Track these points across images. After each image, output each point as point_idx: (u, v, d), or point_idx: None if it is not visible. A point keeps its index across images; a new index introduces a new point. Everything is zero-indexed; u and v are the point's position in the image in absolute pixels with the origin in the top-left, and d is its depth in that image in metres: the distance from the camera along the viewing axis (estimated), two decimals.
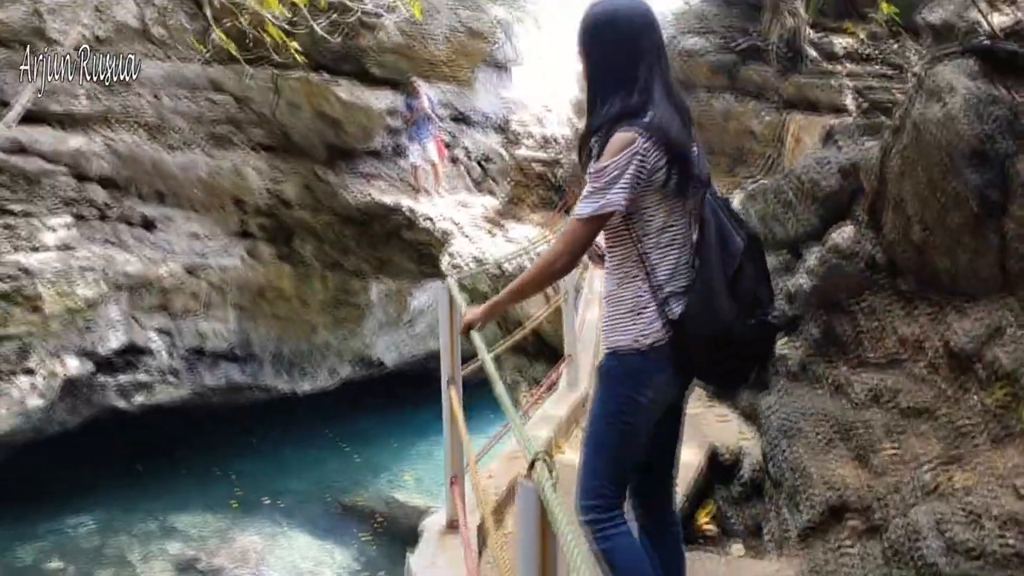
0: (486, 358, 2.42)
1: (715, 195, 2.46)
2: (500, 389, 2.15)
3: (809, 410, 3.52)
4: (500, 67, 19.76)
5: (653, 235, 2.37)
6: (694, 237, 2.42)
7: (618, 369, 2.43)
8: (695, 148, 2.42)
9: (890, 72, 8.98)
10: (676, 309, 2.36)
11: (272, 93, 13.50)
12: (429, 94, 13.36)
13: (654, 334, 2.36)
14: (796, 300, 3.90)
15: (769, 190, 4.12)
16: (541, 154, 11.73)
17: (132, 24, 12.92)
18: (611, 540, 2.40)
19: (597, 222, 2.32)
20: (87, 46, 12.70)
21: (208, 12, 9.20)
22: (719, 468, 4.25)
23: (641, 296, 2.39)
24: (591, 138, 2.41)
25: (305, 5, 9.21)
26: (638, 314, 2.39)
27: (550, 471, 1.40)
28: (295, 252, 14.58)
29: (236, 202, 14.10)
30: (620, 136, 2.27)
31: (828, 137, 5.09)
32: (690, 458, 4.00)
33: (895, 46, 9.10)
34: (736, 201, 6.22)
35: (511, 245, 10.47)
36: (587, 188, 2.30)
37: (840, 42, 9.20)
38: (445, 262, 10.84)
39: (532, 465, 1.41)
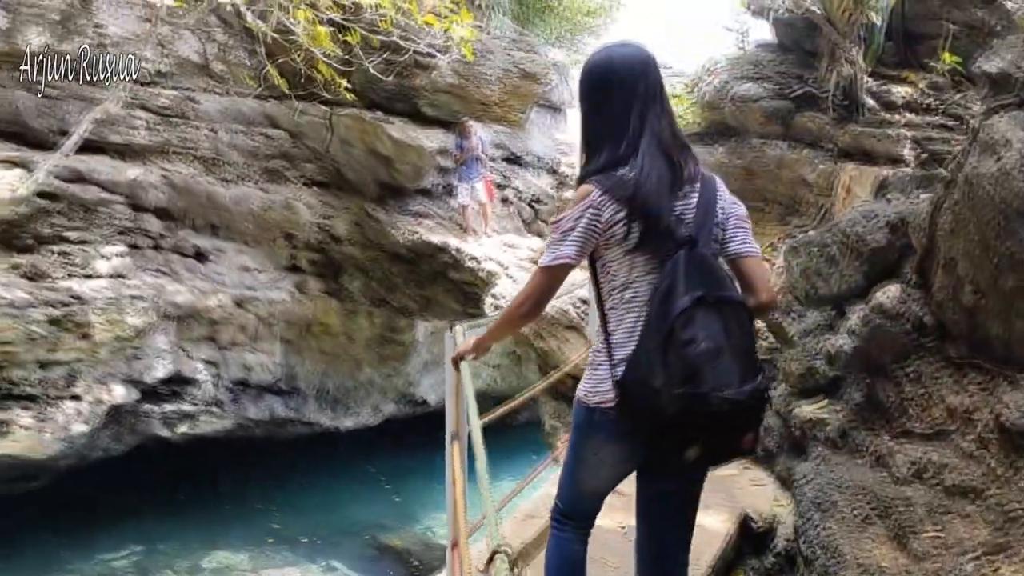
0: (470, 396, 2.33)
1: (699, 253, 2.30)
2: (478, 443, 2.01)
3: (846, 482, 3.27)
4: (555, 109, 19.78)
5: (616, 291, 2.37)
6: None
7: (575, 416, 2.54)
8: (679, 204, 2.35)
9: (951, 123, 8.67)
10: (619, 371, 2.32)
11: (326, 130, 13.62)
12: (481, 135, 13.38)
13: (600, 394, 2.38)
14: (837, 362, 3.67)
15: (813, 243, 3.90)
16: None
17: (193, 59, 13.18)
18: (553, 539, 2.60)
19: (555, 272, 2.36)
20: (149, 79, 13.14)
21: (261, 48, 9.28)
22: (751, 537, 3.99)
23: (599, 352, 2.43)
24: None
25: (358, 43, 9.24)
26: (594, 370, 2.44)
27: (511, 567, 1.23)
28: (343, 288, 14.60)
29: (287, 236, 14.19)
30: (580, 189, 2.35)
31: (881, 189, 4.85)
32: (719, 525, 3.76)
33: (957, 96, 8.80)
34: (780, 254, 5.98)
35: None
36: (548, 238, 2.43)
37: (899, 91, 8.94)
38: (488, 303, 10.71)
39: (491, 559, 1.25)
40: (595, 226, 2.30)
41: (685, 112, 10.68)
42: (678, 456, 2.28)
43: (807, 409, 3.88)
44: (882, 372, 3.44)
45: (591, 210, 2.30)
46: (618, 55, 2.42)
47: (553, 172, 16.08)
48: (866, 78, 8.80)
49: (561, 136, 19.55)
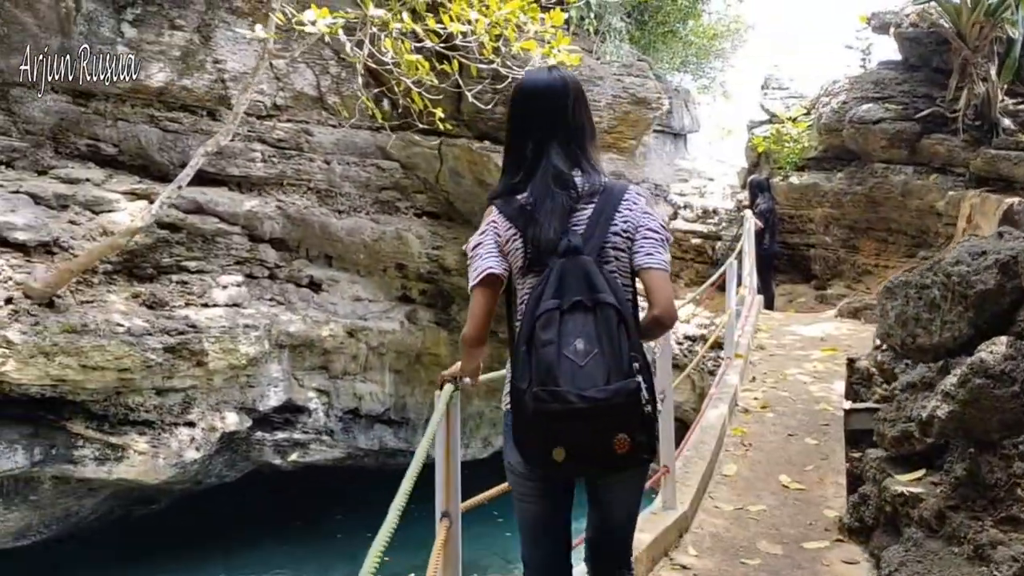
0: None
1: (579, 261, 2.37)
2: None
3: None
4: (676, 135, 19.29)
5: (516, 310, 2.57)
6: None
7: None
8: (573, 219, 2.45)
9: None
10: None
11: (436, 160, 13.59)
12: None
13: (505, 401, 2.61)
14: (930, 429, 3.12)
15: (910, 285, 3.36)
16: (699, 227, 10.98)
17: (308, 92, 13.43)
18: None
19: (482, 290, 2.50)
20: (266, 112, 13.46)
21: (358, 80, 9.25)
22: None
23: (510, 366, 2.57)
24: None
25: (456, 72, 9.08)
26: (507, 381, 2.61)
27: None
28: (453, 319, 14.47)
29: (398, 267, 14.20)
30: (487, 209, 2.61)
31: (1007, 219, 4.23)
32: None
33: None
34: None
35: None
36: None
37: None
38: None
39: None
40: (498, 240, 2.49)
41: (800, 136, 10.04)
42: (545, 459, 2.28)
43: (901, 480, 3.33)
44: (988, 445, 2.89)
45: (492, 225, 2.52)
46: (528, 83, 2.59)
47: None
48: (1002, 96, 8.00)
49: (683, 163, 19.04)
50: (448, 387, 2.84)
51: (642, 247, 2.46)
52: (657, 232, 2.49)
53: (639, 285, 2.48)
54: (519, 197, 2.49)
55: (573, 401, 2.18)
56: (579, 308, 2.28)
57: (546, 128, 2.49)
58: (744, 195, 10.90)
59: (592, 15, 13.22)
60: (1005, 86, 7.92)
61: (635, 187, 2.62)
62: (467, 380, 3.01)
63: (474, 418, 15.56)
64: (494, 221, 2.52)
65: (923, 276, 3.34)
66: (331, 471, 14.71)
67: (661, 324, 2.47)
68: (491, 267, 2.45)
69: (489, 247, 2.49)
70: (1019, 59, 7.83)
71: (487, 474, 13.85)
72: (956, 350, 3.25)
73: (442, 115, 9.00)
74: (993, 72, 7.80)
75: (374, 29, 8.28)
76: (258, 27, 7.26)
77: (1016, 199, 4.79)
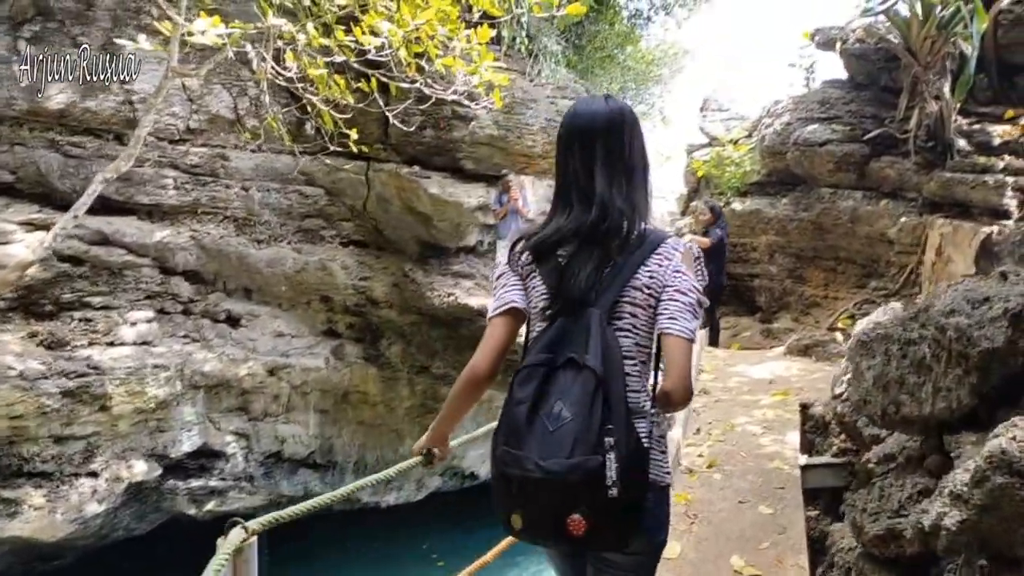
0: None
1: (586, 313, 2.20)
2: None
3: None
4: None
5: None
6: None
7: None
8: (604, 268, 2.24)
9: None
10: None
11: (363, 186, 12.83)
12: (525, 191, 12.40)
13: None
14: (934, 540, 2.43)
15: (893, 340, 2.70)
16: None
17: (225, 114, 12.58)
18: None
19: (501, 321, 2.41)
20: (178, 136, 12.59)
21: (266, 97, 8.44)
22: None
23: None
24: None
25: (374, 91, 8.36)
26: None
27: None
28: (382, 354, 13.67)
29: (323, 299, 13.38)
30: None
31: (985, 254, 3.63)
32: None
33: None
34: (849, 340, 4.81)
35: None
36: None
37: (996, 131, 7.62)
38: None
39: None
40: (515, 271, 2.37)
41: (742, 160, 9.48)
42: (506, 521, 2.14)
43: None
44: (1010, 561, 2.21)
45: (515, 258, 2.37)
46: (580, 111, 2.36)
47: None
48: (955, 116, 7.52)
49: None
50: (234, 533, 2.10)
51: (666, 309, 2.22)
52: (686, 295, 2.20)
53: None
54: (554, 236, 2.27)
55: (530, 469, 2.02)
56: (571, 366, 2.12)
57: (597, 163, 2.25)
58: (685, 222, 10.32)
59: (525, 34, 12.61)
60: (958, 105, 7.43)
61: (674, 240, 2.32)
62: (435, 451, 2.75)
63: (407, 459, 14.66)
64: (517, 253, 2.36)
65: (907, 328, 2.67)
66: (252, 520, 13.76)
67: (670, 401, 2.18)
68: (515, 301, 2.35)
69: (514, 280, 2.37)
70: (973, 76, 7.36)
71: (424, 519, 13.07)
72: (955, 424, 2.56)
73: (356, 137, 8.23)
74: (947, 89, 7.31)
75: (280, 43, 7.51)
76: (141, 38, 6.42)
77: (993, 228, 4.21)
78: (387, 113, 8.99)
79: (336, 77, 8.58)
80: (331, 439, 13.98)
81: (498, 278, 2.42)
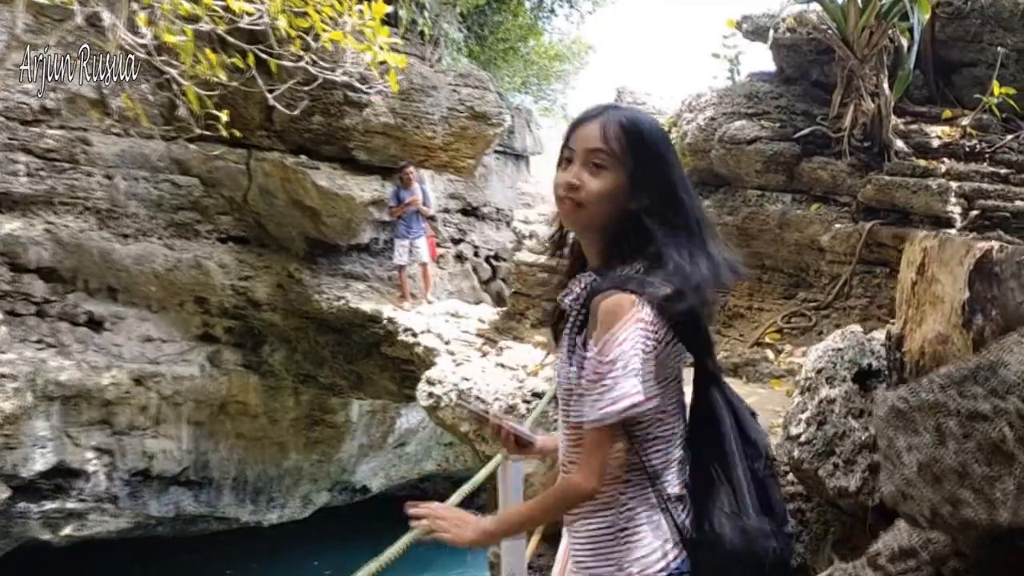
0: None
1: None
2: None
3: None
4: (519, 157, 18.02)
5: (647, 425, 1.80)
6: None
7: None
8: None
9: (1003, 171, 6.81)
10: (687, 521, 1.83)
11: (243, 177, 11.65)
12: (425, 186, 11.40)
13: (665, 560, 1.79)
14: None
15: (947, 411, 1.94)
16: (546, 259, 9.59)
17: (87, 93, 11.20)
18: None
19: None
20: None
21: (122, 73, 7.21)
22: None
23: (640, 509, 1.81)
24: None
25: (250, 68, 7.28)
26: (641, 536, 1.80)
27: None
28: (264, 362, 12.50)
29: (198, 301, 12.13)
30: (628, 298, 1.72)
31: (982, 275, 2.91)
32: None
33: (1009, 138, 6.96)
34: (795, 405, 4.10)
35: (502, 373, 8.26)
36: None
37: (935, 131, 7.07)
38: (422, 391, 8.63)
39: None
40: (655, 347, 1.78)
41: None
42: None
43: None
44: None
45: (643, 325, 1.76)
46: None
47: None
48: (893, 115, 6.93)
49: (525, 186, 17.74)
50: None
51: None
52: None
53: None
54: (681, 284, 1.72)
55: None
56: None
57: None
58: None
59: (425, 16, 11.64)
60: (893, 103, 6.85)
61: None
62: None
63: (292, 473, 13.58)
64: (645, 319, 1.70)
65: (967, 395, 1.91)
66: (116, 545, 12.43)
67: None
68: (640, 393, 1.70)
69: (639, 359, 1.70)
70: (911, 73, 6.78)
71: (312, 536, 11.87)
72: None
73: (228, 119, 7.14)
74: (885, 85, 6.70)
75: (136, 6, 6.36)
76: None
77: (994, 244, 3.57)
78: (267, 94, 7.89)
79: (208, 51, 7.46)
80: (207, 454, 12.75)
81: (615, 359, 1.68)
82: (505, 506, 3.13)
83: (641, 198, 1.77)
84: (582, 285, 1.80)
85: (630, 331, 1.68)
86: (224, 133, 7.37)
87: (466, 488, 2.76)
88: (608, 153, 1.77)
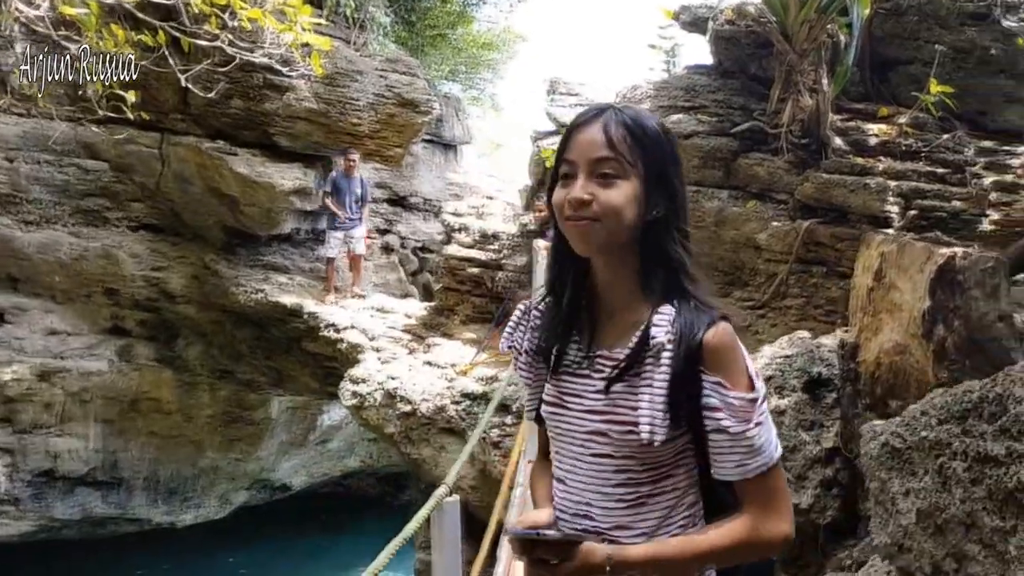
0: None
1: None
2: None
3: None
4: (447, 146, 17.65)
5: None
6: None
7: None
8: None
9: (940, 171, 6.75)
10: None
11: (157, 162, 11.04)
12: (362, 174, 10.88)
13: None
14: None
15: (950, 451, 1.67)
16: (477, 253, 9.24)
17: None
18: None
19: None
20: None
21: (18, 47, 6.63)
22: None
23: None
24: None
25: (161, 46, 6.78)
26: None
27: None
28: (178, 356, 11.92)
29: (107, 292, 11.49)
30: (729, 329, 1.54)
31: (944, 282, 2.72)
32: None
33: (945, 137, 6.91)
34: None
35: (430, 372, 7.94)
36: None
37: (873, 129, 6.98)
38: (346, 389, 8.25)
39: None
40: None
41: None
42: None
43: None
44: None
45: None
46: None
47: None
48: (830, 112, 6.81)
49: (454, 176, 17.38)
50: None
51: None
52: None
53: None
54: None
55: None
56: None
57: None
58: (528, 217, 9.28)
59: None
60: (831, 99, 6.72)
61: None
62: None
63: (208, 472, 13.02)
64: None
65: (975, 433, 1.66)
66: (18, 549, 11.75)
67: None
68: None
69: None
70: (850, 69, 6.66)
71: (230, 536, 11.33)
72: None
73: (135, 101, 6.65)
74: (825, 81, 6.57)
75: None
76: None
77: (956, 250, 3.37)
78: (179, 74, 7.40)
79: (115, 27, 6.93)
80: (116, 453, 12.13)
81: (766, 406, 1.56)
82: None
83: (659, 205, 1.55)
84: (670, 319, 1.52)
85: (749, 361, 1.56)
86: (131, 116, 6.86)
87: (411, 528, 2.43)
88: (618, 160, 1.53)
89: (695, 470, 1.62)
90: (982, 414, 1.71)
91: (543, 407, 1.67)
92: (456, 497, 2.51)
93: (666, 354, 1.50)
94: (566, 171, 1.56)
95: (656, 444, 1.52)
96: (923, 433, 1.81)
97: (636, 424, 1.52)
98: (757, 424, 1.50)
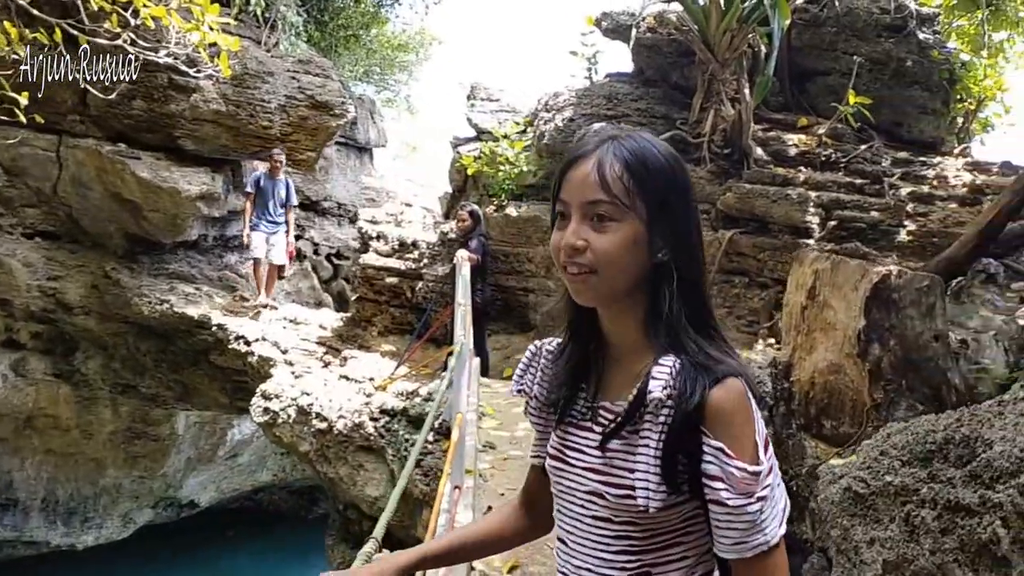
0: None
1: None
2: None
3: None
4: (362, 149, 17.30)
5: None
6: None
7: None
8: None
9: (858, 181, 6.81)
10: None
11: (53, 165, 10.42)
12: (289, 179, 10.25)
13: None
14: None
15: (918, 498, 1.52)
16: (395, 262, 8.96)
17: None
18: None
19: None
20: None
21: None
22: None
23: None
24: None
25: (57, 44, 6.36)
26: None
27: None
28: (77, 370, 11.30)
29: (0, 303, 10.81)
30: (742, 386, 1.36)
31: (879, 301, 2.63)
32: None
33: (862, 148, 6.98)
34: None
35: (346, 386, 7.64)
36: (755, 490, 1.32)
37: (792, 140, 7.00)
38: (257, 406, 7.89)
39: None
40: None
41: (518, 158, 8.33)
42: None
43: None
44: None
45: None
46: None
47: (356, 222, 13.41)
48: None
49: (369, 180, 17.03)
50: None
51: None
52: None
53: None
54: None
55: None
56: None
57: None
58: (448, 226, 9.05)
59: None
60: (752, 109, 6.72)
61: None
62: None
63: (110, 491, 12.41)
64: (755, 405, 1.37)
65: (943, 479, 1.53)
66: None
67: None
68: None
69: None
70: (771, 79, 6.66)
71: (130, 558, 10.73)
72: None
73: (26, 103, 6.21)
74: (747, 91, 6.55)
75: None
76: None
77: (892, 268, 3.30)
78: (76, 75, 6.97)
79: (7, 24, 6.48)
80: (11, 472, 11.49)
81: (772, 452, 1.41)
82: None
83: (664, 248, 1.38)
84: (671, 372, 1.34)
85: (760, 425, 1.38)
86: (23, 119, 6.41)
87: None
88: (612, 202, 1.36)
89: (707, 538, 1.44)
90: (948, 456, 1.59)
91: (547, 460, 1.51)
92: (385, 552, 2.29)
93: (664, 411, 1.34)
94: (560, 210, 1.40)
95: (652, 511, 1.36)
96: (887, 478, 1.69)
97: (633, 488, 1.36)
98: (760, 499, 1.34)
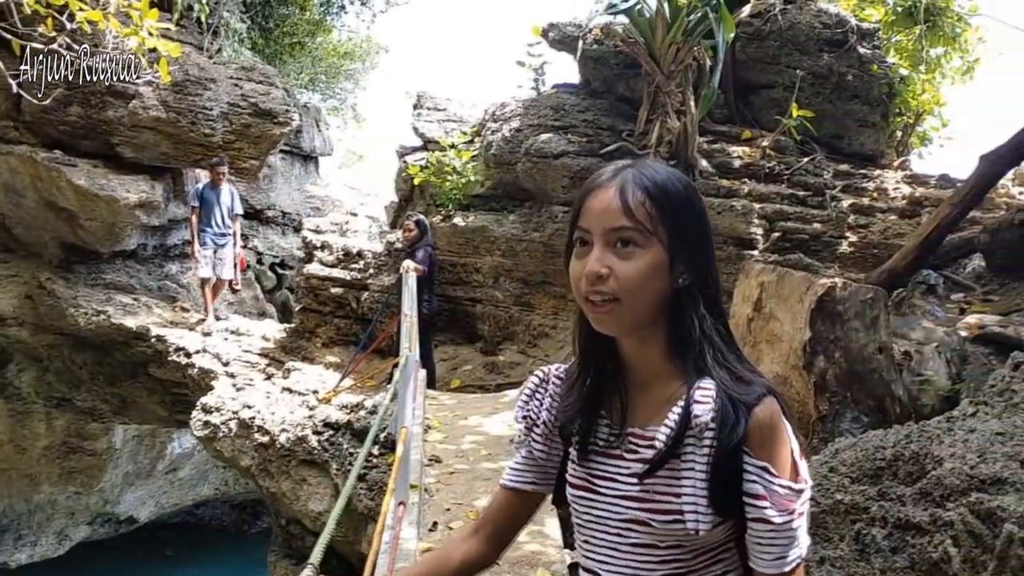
0: None
1: None
2: None
3: None
4: (307, 158, 17.13)
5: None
6: None
7: None
8: None
9: (801, 193, 6.90)
10: None
11: None
12: (233, 187, 9.97)
13: None
14: None
15: (865, 516, 1.53)
16: (340, 272, 8.85)
17: None
18: None
19: None
20: None
21: None
22: None
23: None
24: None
25: None
26: None
27: None
28: (10, 383, 10.95)
29: None
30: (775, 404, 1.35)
31: (824, 313, 2.65)
32: None
33: (804, 161, 7.08)
34: None
35: (290, 399, 7.51)
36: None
37: (737, 152, 7.07)
38: (197, 419, 7.71)
39: None
40: None
41: (465, 168, 8.28)
42: None
43: None
44: None
45: None
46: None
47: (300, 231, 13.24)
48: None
49: (314, 189, 16.85)
50: None
51: None
52: None
53: None
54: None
55: None
56: None
57: None
58: (396, 236, 8.96)
59: (203, 2, 10.61)
60: (698, 121, 6.78)
61: None
62: None
63: (44, 508, 12.04)
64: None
65: (892, 496, 1.53)
66: None
67: None
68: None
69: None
70: (716, 90, 6.73)
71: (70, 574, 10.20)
72: None
73: None
74: (692, 103, 6.60)
75: None
76: None
77: (836, 280, 3.33)
78: (11, 80, 6.75)
79: None
80: None
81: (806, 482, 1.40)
82: None
83: (685, 273, 1.38)
84: (712, 395, 1.34)
85: (795, 443, 1.39)
86: None
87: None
88: (636, 228, 1.35)
89: (741, 552, 1.45)
90: (897, 473, 1.60)
91: (569, 490, 1.48)
92: None
93: (708, 434, 1.33)
94: (580, 237, 1.38)
95: (702, 534, 1.36)
96: (837, 496, 1.69)
97: (681, 513, 1.35)
98: (800, 515, 1.36)
